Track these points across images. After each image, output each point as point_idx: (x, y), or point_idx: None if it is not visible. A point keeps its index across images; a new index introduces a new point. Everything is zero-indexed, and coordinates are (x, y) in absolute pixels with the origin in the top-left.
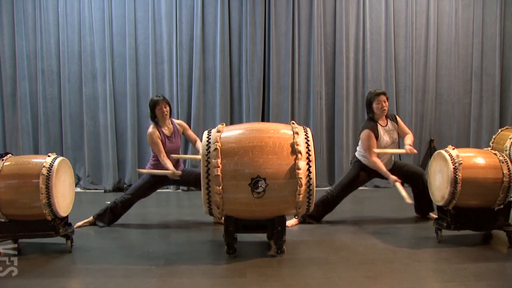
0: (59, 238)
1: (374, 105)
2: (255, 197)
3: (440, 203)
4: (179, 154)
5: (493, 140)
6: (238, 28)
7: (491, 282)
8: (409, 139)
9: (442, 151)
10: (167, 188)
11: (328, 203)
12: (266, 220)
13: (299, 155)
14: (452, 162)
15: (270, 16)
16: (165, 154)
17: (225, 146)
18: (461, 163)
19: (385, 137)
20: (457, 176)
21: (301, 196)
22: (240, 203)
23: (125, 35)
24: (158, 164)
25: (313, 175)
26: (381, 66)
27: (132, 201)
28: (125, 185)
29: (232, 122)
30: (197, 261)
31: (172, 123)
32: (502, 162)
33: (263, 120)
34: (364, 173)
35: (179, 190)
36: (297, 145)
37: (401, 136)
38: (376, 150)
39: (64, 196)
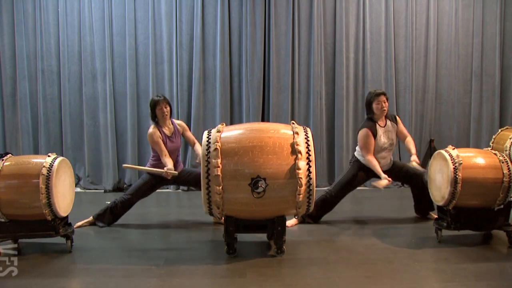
0: (59, 238)
1: (374, 105)
2: (255, 197)
3: (440, 203)
4: (179, 154)
5: (493, 140)
6: (238, 28)
7: (491, 282)
8: (411, 145)
9: (442, 151)
10: (167, 188)
11: (327, 203)
12: (266, 220)
13: (299, 155)
14: (452, 162)
15: (270, 16)
16: (167, 154)
17: (225, 146)
18: (461, 163)
19: (383, 138)
20: (457, 176)
21: (301, 196)
22: (240, 203)
23: (125, 35)
24: (158, 164)
25: (313, 175)
26: (381, 66)
27: (132, 201)
28: (125, 185)
29: (232, 122)
30: (197, 261)
31: (172, 123)
32: (502, 162)
33: (263, 120)
34: (363, 173)
35: (179, 190)
36: (297, 145)
37: (400, 138)
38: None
39: (64, 196)
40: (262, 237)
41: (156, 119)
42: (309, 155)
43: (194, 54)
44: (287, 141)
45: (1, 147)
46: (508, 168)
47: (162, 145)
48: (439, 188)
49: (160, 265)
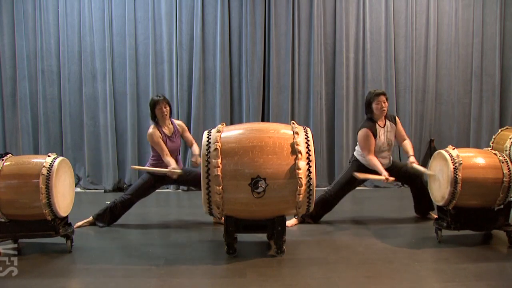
0: (59, 238)
1: (374, 105)
2: (255, 197)
3: (440, 203)
4: (179, 153)
5: (493, 140)
6: (238, 28)
7: (491, 282)
8: (409, 147)
9: (442, 151)
10: (167, 188)
11: (327, 203)
12: (266, 220)
13: (299, 155)
14: (452, 162)
15: (270, 16)
16: (168, 153)
17: (225, 146)
18: (461, 163)
19: (382, 138)
20: (457, 176)
21: (301, 196)
22: (240, 203)
23: (125, 35)
24: (157, 164)
25: (313, 175)
26: (381, 66)
27: (131, 201)
28: (125, 185)
29: (232, 122)
30: (197, 261)
31: (172, 123)
32: (502, 162)
33: (263, 120)
34: (362, 172)
35: (179, 190)
36: (297, 145)
37: (397, 139)
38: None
39: (64, 196)
40: (262, 237)
41: (156, 119)
42: (309, 155)
43: (194, 54)
44: (287, 141)
45: (1, 147)
46: (508, 168)
47: (163, 145)
48: (439, 188)
49: (160, 265)
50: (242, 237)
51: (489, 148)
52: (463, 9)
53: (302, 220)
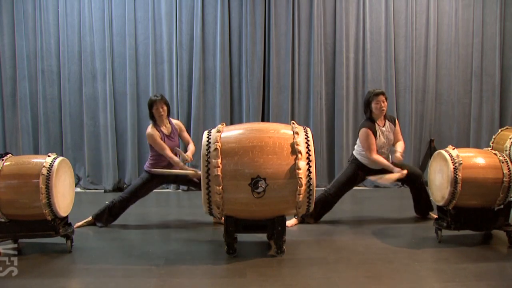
0: (59, 238)
1: (373, 105)
2: (255, 197)
3: (440, 203)
4: (175, 152)
5: (493, 140)
6: (238, 28)
7: (491, 282)
8: (400, 146)
9: (442, 151)
10: (167, 188)
11: (327, 202)
12: (266, 220)
13: (299, 155)
14: (452, 162)
15: (270, 16)
16: (169, 150)
17: (225, 146)
18: (461, 163)
19: (381, 138)
20: (457, 176)
21: (301, 196)
22: (240, 203)
23: (125, 35)
24: (156, 164)
25: (313, 175)
26: (381, 66)
27: (130, 201)
28: (125, 185)
29: (232, 122)
30: (197, 261)
31: (170, 123)
32: (502, 162)
33: (263, 120)
34: (361, 172)
35: (179, 190)
36: (297, 145)
37: (393, 140)
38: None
39: (64, 196)
40: (262, 237)
41: (154, 118)
42: (309, 155)
43: (194, 54)
44: (287, 141)
45: (1, 147)
46: (508, 168)
47: (163, 143)
48: (439, 188)
49: (160, 265)
50: (242, 237)
51: (489, 148)
52: (463, 9)
53: (302, 220)
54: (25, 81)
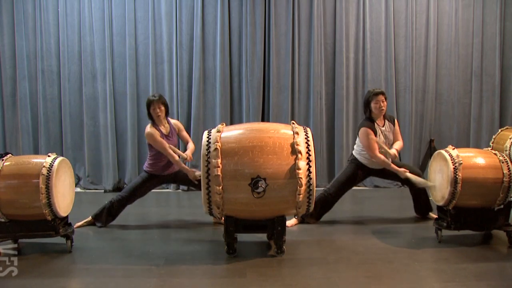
0: (59, 238)
1: (372, 105)
2: (255, 197)
3: (440, 203)
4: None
5: (493, 140)
6: (238, 28)
7: (491, 282)
8: (397, 144)
9: (442, 151)
10: (167, 188)
11: (326, 202)
12: (266, 220)
13: (299, 155)
14: (452, 162)
15: (270, 16)
16: (170, 149)
17: (225, 146)
18: (461, 163)
19: (380, 137)
20: (457, 176)
21: (301, 196)
22: (240, 203)
23: (125, 35)
24: (155, 164)
25: (313, 175)
26: (381, 66)
27: (128, 200)
28: (125, 185)
29: (232, 122)
30: (197, 261)
31: (168, 123)
32: (502, 162)
33: (263, 120)
34: (361, 172)
35: (179, 190)
36: (297, 145)
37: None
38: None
39: (64, 196)
40: (262, 237)
41: (153, 118)
42: (309, 155)
43: (194, 54)
44: (287, 141)
45: (1, 147)
46: (508, 168)
47: (164, 142)
48: (439, 188)
49: (160, 265)
50: (242, 237)
51: (489, 148)
52: (463, 9)
53: (302, 220)
54: (25, 81)
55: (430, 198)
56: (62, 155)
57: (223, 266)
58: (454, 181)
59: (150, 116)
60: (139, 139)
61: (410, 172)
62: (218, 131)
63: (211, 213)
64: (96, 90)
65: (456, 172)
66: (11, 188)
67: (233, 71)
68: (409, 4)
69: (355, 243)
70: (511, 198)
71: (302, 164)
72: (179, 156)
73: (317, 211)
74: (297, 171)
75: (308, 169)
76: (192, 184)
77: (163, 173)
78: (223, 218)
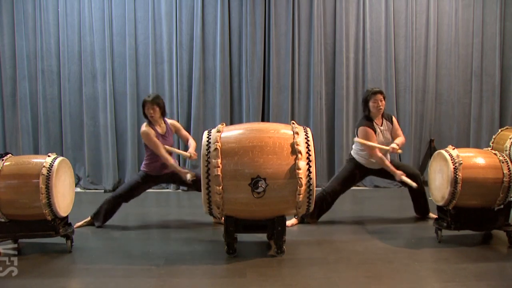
0: (59, 238)
1: (371, 104)
2: (255, 197)
3: (440, 203)
4: (169, 152)
5: (493, 140)
6: (238, 28)
7: (491, 282)
8: (398, 140)
9: (442, 151)
10: (167, 188)
11: (325, 202)
12: (266, 220)
13: (299, 155)
14: (452, 162)
15: (270, 16)
16: (164, 150)
17: (225, 146)
18: (461, 163)
19: (379, 136)
20: (457, 176)
21: (301, 196)
22: (240, 203)
23: (125, 35)
24: (151, 163)
25: (313, 175)
26: (381, 66)
27: (124, 198)
28: None
29: (232, 122)
30: (197, 261)
31: (165, 123)
32: (502, 162)
33: (263, 120)
34: (358, 171)
35: (179, 190)
36: (297, 145)
37: (393, 137)
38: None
39: (64, 196)
40: (262, 237)
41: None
42: (309, 155)
43: (194, 54)
44: (287, 141)
45: (1, 147)
46: (508, 168)
47: (158, 142)
48: (439, 188)
49: (160, 265)
50: (242, 237)
51: (489, 148)
52: (463, 9)
53: (302, 220)
54: (25, 81)
55: (430, 198)
56: (62, 155)
57: (223, 266)
58: (454, 181)
59: (145, 115)
60: (139, 139)
61: (408, 173)
62: (218, 131)
63: (211, 213)
64: (96, 90)
65: (456, 172)
66: (11, 188)
67: (233, 71)
68: (409, 4)
69: (355, 243)
70: (511, 198)
71: (302, 164)
72: (174, 156)
73: (316, 210)
74: (297, 171)
75: (308, 169)
76: (187, 184)
77: (160, 173)
78: (223, 218)
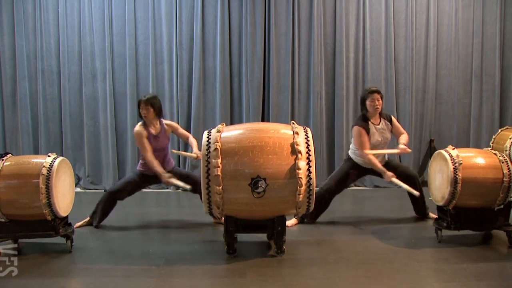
0: (59, 238)
1: (368, 103)
2: (255, 197)
3: (440, 203)
4: (165, 153)
5: (493, 140)
6: (238, 28)
7: (491, 282)
8: (403, 138)
9: (442, 151)
10: (167, 188)
11: (321, 202)
12: (266, 220)
13: (299, 155)
14: (452, 162)
15: (270, 16)
16: (150, 152)
17: (225, 146)
18: (461, 163)
19: (375, 136)
20: (457, 176)
21: (301, 196)
22: (240, 203)
23: (125, 35)
24: (146, 163)
25: (313, 175)
26: (381, 66)
27: (118, 194)
28: None
29: (232, 122)
30: (197, 261)
31: (160, 123)
32: (502, 162)
33: (263, 120)
34: (355, 171)
35: (179, 190)
36: (297, 145)
37: (395, 136)
38: (370, 152)
39: (64, 196)
40: (262, 237)
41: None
42: (309, 155)
43: (194, 54)
44: (287, 141)
45: (1, 147)
46: (508, 168)
47: (146, 145)
48: (439, 188)
49: (160, 265)
50: (242, 237)
51: (489, 148)
52: (463, 9)
53: (301, 220)
54: (25, 81)
55: (430, 198)
56: (62, 155)
57: (223, 266)
58: (454, 181)
59: (140, 115)
60: None
61: (405, 173)
62: (218, 131)
63: (211, 213)
64: (96, 90)
65: (456, 172)
66: (11, 188)
67: (233, 71)
68: (409, 4)
69: (355, 243)
70: (511, 198)
71: (302, 164)
72: (173, 158)
73: (314, 210)
74: (297, 171)
75: (308, 169)
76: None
77: (155, 173)
78: (223, 218)
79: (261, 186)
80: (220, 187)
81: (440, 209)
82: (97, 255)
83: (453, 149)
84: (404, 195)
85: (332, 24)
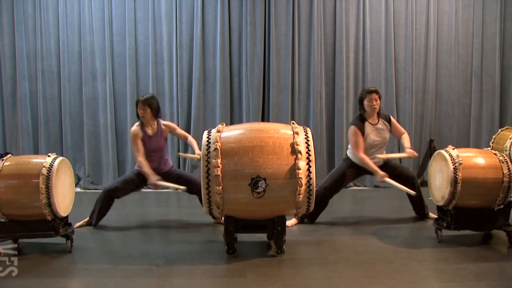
0: (59, 238)
1: (365, 103)
2: (255, 197)
3: (440, 203)
4: (161, 153)
5: (493, 140)
6: (238, 28)
7: (491, 282)
8: (406, 141)
9: (442, 151)
10: (167, 188)
11: (320, 202)
12: (266, 220)
13: (299, 155)
14: (452, 162)
15: (270, 16)
16: (142, 154)
17: (225, 146)
18: (461, 163)
19: (372, 136)
20: (457, 176)
21: (301, 196)
22: (240, 203)
23: (125, 35)
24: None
25: (313, 175)
26: (381, 66)
27: (116, 192)
28: None
29: (232, 122)
30: (197, 261)
31: (158, 124)
32: (502, 162)
33: (263, 120)
34: (352, 170)
35: (179, 190)
36: (297, 145)
37: (396, 136)
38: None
39: (64, 196)
40: (262, 237)
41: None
42: (309, 155)
43: (194, 54)
44: (287, 141)
45: (1, 147)
46: (508, 168)
47: (139, 146)
48: (439, 188)
49: (160, 265)
50: (242, 237)
51: (489, 148)
52: (463, 9)
53: (301, 220)
54: (25, 81)
55: (429, 198)
56: (62, 155)
57: (223, 266)
58: (454, 181)
59: (137, 115)
60: None
61: (403, 174)
62: (218, 131)
63: (211, 213)
64: (96, 90)
65: (456, 172)
66: (11, 188)
67: (233, 71)
68: (409, 4)
69: (355, 243)
70: (511, 198)
71: (302, 164)
72: (167, 157)
73: (313, 211)
74: (297, 171)
75: (308, 169)
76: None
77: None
78: (223, 218)
79: (261, 186)
80: (220, 187)
81: (440, 209)
82: (97, 255)
83: (453, 149)
84: (404, 195)
85: (332, 24)
